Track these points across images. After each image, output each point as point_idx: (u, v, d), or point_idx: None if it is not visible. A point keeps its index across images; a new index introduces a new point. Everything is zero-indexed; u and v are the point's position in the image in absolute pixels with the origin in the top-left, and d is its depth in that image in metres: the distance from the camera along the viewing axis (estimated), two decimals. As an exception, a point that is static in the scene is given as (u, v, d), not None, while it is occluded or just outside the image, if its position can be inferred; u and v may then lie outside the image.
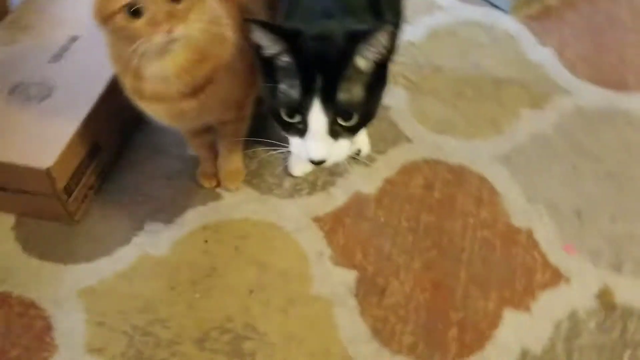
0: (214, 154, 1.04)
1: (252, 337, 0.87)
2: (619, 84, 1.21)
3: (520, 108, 1.18)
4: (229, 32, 0.85)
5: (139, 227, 1.00)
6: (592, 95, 1.19)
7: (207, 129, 0.99)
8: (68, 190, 0.96)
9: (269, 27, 0.74)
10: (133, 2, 0.72)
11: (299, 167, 1.07)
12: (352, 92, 0.74)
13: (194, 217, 1.02)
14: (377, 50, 0.74)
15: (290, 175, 1.07)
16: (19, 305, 0.90)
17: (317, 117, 0.74)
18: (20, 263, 0.95)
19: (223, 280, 0.94)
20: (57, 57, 1.06)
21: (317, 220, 1.01)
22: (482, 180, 1.06)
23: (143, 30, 0.74)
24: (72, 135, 0.94)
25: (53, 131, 0.95)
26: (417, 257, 0.96)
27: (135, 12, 0.73)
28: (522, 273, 0.94)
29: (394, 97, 1.19)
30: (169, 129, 1.07)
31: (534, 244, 0.97)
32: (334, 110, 0.74)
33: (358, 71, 0.75)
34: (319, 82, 0.72)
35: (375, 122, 1.12)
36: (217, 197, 1.04)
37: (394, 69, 0.81)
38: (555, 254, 0.96)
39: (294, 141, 0.79)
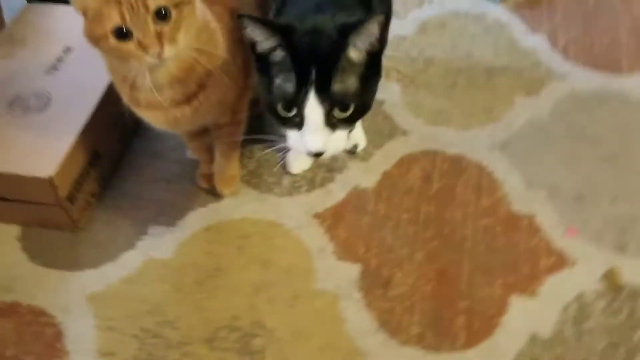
0: (213, 155, 1.05)
1: (260, 334, 0.88)
2: (612, 67, 1.22)
3: (515, 95, 1.18)
4: (219, 37, 0.86)
5: (142, 232, 1.01)
6: (586, 79, 1.20)
7: (205, 131, 1.00)
8: (71, 199, 0.97)
9: (262, 22, 0.74)
10: (119, 26, 0.73)
11: (297, 164, 1.07)
12: (346, 83, 0.75)
13: (195, 219, 1.02)
14: (369, 41, 0.75)
15: (289, 173, 1.07)
16: (29, 313, 0.91)
17: (313, 109, 0.74)
18: (28, 272, 0.96)
19: (228, 280, 0.94)
20: (53, 68, 1.07)
21: (317, 216, 1.02)
22: (481, 168, 1.07)
23: (133, 52, 0.74)
24: (72, 144, 0.95)
25: (53, 141, 0.95)
26: (420, 248, 0.97)
27: (123, 34, 0.73)
28: (527, 259, 0.94)
29: (387, 91, 1.20)
30: (167, 134, 1.08)
31: (537, 229, 0.97)
32: (330, 101, 0.74)
33: (351, 62, 0.75)
34: (313, 75, 0.73)
35: (370, 117, 1.14)
36: (217, 198, 1.05)
37: (386, 64, 0.81)
38: (559, 238, 0.96)
39: (292, 135, 0.80)
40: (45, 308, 0.91)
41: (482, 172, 1.06)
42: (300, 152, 0.80)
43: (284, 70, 0.75)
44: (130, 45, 0.74)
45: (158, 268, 0.96)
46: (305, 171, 1.08)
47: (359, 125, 1.09)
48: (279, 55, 0.76)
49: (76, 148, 0.96)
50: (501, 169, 1.06)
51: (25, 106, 1.01)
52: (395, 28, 1.19)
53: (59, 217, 0.97)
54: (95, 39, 0.75)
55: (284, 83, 0.75)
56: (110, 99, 0.99)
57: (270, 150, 0.94)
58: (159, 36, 0.74)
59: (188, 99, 0.85)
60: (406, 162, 1.09)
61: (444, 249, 0.96)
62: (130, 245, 0.99)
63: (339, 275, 0.94)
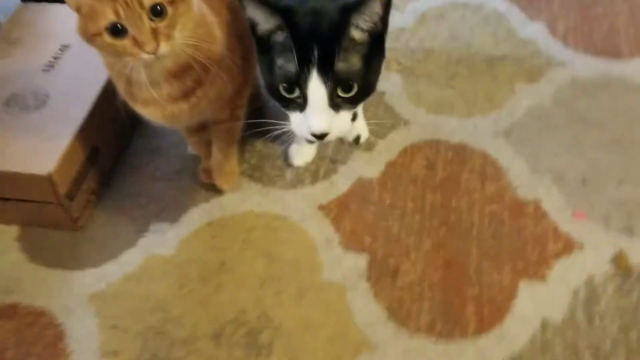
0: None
1: (267, 328, 0.86)
2: (612, 52, 1.21)
3: (516, 83, 1.17)
4: (216, 31, 0.85)
5: (144, 229, 0.99)
6: (587, 65, 1.19)
7: (205, 126, 0.99)
8: (70, 196, 0.95)
9: (262, 2, 0.73)
10: (114, 23, 0.72)
11: (300, 157, 1.06)
12: (349, 62, 0.74)
13: (198, 215, 1.01)
14: (371, 20, 0.73)
15: (291, 165, 1.06)
16: (29, 314, 0.89)
17: (317, 88, 0.73)
18: (27, 273, 0.94)
19: (233, 275, 0.93)
20: (50, 66, 1.05)
21: (322, 208, 1.00)
22: (485, 156, 1.06)
23: (128, 49, 0.73)
24: (70, 141, 0.94)
25: (51, 138, 0.94)
26: (427, 237, 0.95)
27: (118, 31, 0.72)
28: (534, 244, 0.93)
29: (388, 82, 1.19)
30: (167, 130, 1.07)
31: (543, 214, 0.96)
32: (333, 80, 0.73)
33: (354, 42, 0.74)
34: (316, 54, 0.72)
35: (372, 108, 1.14)
36: (219, 193, 1.03)
37: (386, 55, 0.80)
38: (566, 223, 0.95)
39: (295, 118, 0.78)
40: (46, 308, 0.89)
41: (486, 159, 1.05)
42: (303, 136, 0.79)
43: (286, 50, 0.74)
44: (125, 42, 0.73)
45: (161, 265, 0.94)
46: (308, 163, 1.06)
47: (361, 116, 1.08)
48: (280, 35, 0.75)
49: (75, 145, 0.95)
50: (505, 155, 1.05)
51: (22, 104, 0.99)
52: (394, 20, 1.18)
53: (59, 215, 0.95)
54: (89, 36, 0.74)
55: (286, 63, 0.74)
56: (108, 96, 0.98)
57: (271, 138, 0.91)
58: (155, 33, 0.73)
59: (185, 94, 0.84)
60: (409, 152, 1.08)
61: (451, 236, 0.95)
62: (131, 242, 0.97)
63: (346, 266, 0.93)
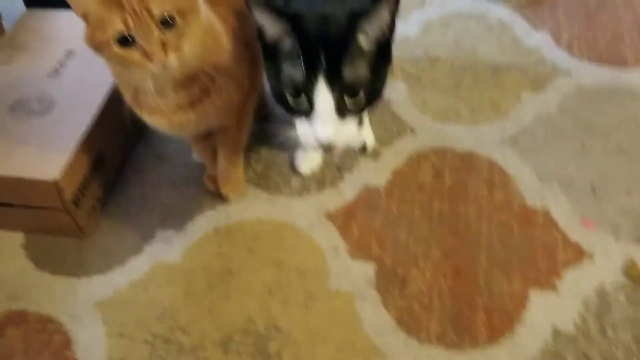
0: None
1: (276, 337, 0.85)
2: (618, 61, 1.22)
3: (522, 91, 1.18)
4: (224, 40, 0.84)
5: (150, 236, 0.98)
6: (592, 74, 1.20)
7: (211, 134, 0.98)
8: (76, 203, 0.94)
9: (270, 7, 0.73)
10: (123, 33, 0.70)
11: (306, 164, 1.05)
12: (356, 69, 0.73)
13: (204, 222, 1.00)
14: (379, 27, 0.73)
15: (298, 173, 1.06)
16: (36, 321, 0.88)
17: (323, 95, 0.72)
18: (34, 280, 0.93)
19: (240, 282, 0.92)
20: (55, 71, 1.05)
21: (328, 216, 1.00)
22: (492, 164, 1.05)
23: (137, 60, 0.72)
24: (76, 147, 0.93)
25: (57, 144, 0.93)
26: (435, 245, 0.95)
27: (126, 42, 0.71)
28: (544, 253, 0.92)
29: (394, 90, 1.19)
30: (172, 137, 1.06)
31: (552, 223, 0.96)
32: (340, 88, 0.72)
33: (361, 49, 0.74)
34: (323, 61, 0.71)
35: (378, 116, 1.14)
36: (225, 200, 1.02)
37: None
38: (575, 231, 0.95)
39: (301, 125, 0.77)
40: (53, 315, 0.89)
41: (493, 167, 1.05)
42: (310, 144, 0.78)
43: (293, 57, 0.73)
44: (133, 53, 0.72)
45: (167, 272, 0.94)
46: (315, 171, 1.06)
47: (367, 124, 1.08)
48: (287, 42, 0.74)
49: (80, 151, 0.94)
50: (512, 163, 1.05)
51: (28, 110, 0.99)
52: (399, 28, 1.18)
53: (65, 222, 0.94)
54: (96, 45, 0.73)
55: (293, 70, 0.73)
56: (114, 102, 0.98)
57: (277, 145, 0.90)
58: (164, 44, 0.72)
59: (192, 103, 0.83)
60: (416, 160, 1.07)
61: (460, 245, 0.94)
62: (137, 249, 0.97)
63: (354, 275, 0.92)
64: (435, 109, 1.16)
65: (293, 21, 0.73)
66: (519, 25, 1.33)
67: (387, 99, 1.17)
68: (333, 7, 0.76)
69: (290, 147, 0.90)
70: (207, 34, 0.79)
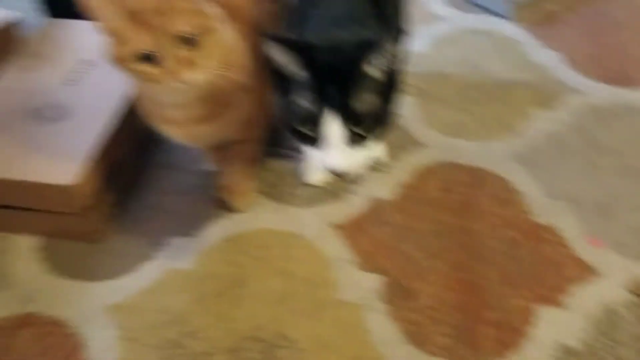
0: (230, 167, 1.05)
1: (284, 345, 0.86)
2: (626, 81, 1.23)
3: (530, 108, 1.19)
4: (242, 56, 0.85)
5: (162, 242, 1.00)
6: (601, 93, 1.21)
7: (225, 144, 1.00)
8: (91, 208, 0.96)
9: (281, 40, 0.74)
10: (144, 50, 0.71)
11: (315, 175, 1.07)
12: (365, 98, 0.74)
13: (215, 230, 1.01)
14: (386, 59, 0.74)
15: (307, 184, 1.07)
16: (49, 324, 0.90)
17: (333, 126, 0.74)
18: (47, 283, 0.95)
19: (249, 290, 0.93)
20: (72, 80, 1.07)
21: (337, 227, 1.01)
22: (500, 180, 1.07)
23: (158, 77, 0.73)
24: (92, 153, 0.95)
25: (74, 150, 0.95)
26: (443, 259, 0.96)
27: (148, 58, 0.72)
28: (552, 269, 0.93)
29: (403, 105, 1.20)
30: (186, 146, 1.08)
31: (560, 240, 0.97)
32: (349, 119, 0.73)
33: (370, 80, 0.75)
34: (332, 92, 0.72)
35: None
36: (236, 209, 1.04)
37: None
38: (583, 248, 0.95)
39: (312, 153, 0.78)
40: (65, 319, 0.90)
41: (502, 183, 1.06)
42: (322, 169, 0.79)
43: (303, 88, 0.75)
44: (155, 70, 0.73)
45: (178, 279, 0.95)
46: (324, 182, 1.07)
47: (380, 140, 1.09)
48: (297, 72, 0.75)
49: (97, 157, 0.96)
50: (521, 180, 1.06)
51: (45, 116, 1.01)
52: (408, 44, 1.20)
53: (80, 227, 0.96)
54: (117, 60, 0.74)
55: (303, 100, 0.75)
56: (129, 111, 1.00)
57: (287, 156, 0.92)
58: (185, 62, 0.73)
59: (209, 118, 0.85)
60: (425, 174, 1.08)
61: (468, 260, 0.95)
62: (149, 256, 0.98)
63: (362, 286, 0.93)
64: (444, 124, 1.17)
65: (303, 53, 0.74)
66: (528, 42, 1.34)
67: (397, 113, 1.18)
68: (342, 38, 0.77)
69: (300, 158, 0.92)
70: (227, 51, 0.80)
